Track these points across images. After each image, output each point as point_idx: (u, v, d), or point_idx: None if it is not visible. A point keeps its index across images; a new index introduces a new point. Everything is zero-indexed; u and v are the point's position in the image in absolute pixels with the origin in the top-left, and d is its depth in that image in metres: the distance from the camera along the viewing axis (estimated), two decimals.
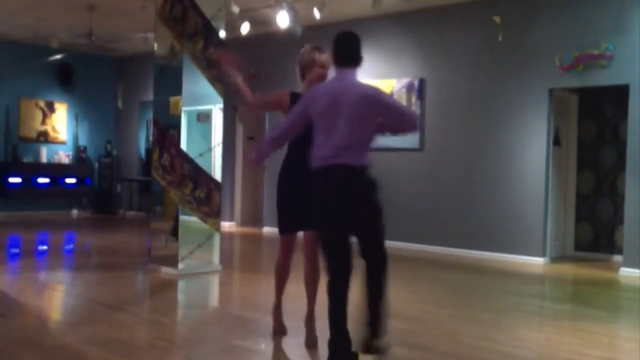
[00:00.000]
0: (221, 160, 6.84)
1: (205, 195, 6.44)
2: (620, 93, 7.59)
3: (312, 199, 3.57)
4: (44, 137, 12.27)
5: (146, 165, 11.83)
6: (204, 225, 6.50)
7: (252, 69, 10.41)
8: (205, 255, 6.56)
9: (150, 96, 8.33)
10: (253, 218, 11.22)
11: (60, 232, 8.73)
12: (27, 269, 6.62)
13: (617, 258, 7.72)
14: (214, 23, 6.43)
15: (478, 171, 8.25)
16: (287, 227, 4.03)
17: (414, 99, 8.78)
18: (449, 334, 4.42)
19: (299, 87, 4.09)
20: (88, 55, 12.58)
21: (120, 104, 12.91)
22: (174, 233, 6.40)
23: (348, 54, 3.62)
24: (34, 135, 12.13)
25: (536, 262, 7.70)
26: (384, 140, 8.35)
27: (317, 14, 8.08)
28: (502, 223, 8.01)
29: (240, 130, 11.09)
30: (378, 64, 9.10)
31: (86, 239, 9.02)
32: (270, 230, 9.97)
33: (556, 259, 8.05)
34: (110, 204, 12.87)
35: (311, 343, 4.01)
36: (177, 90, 6.37)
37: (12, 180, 11.44)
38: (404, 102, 8.72)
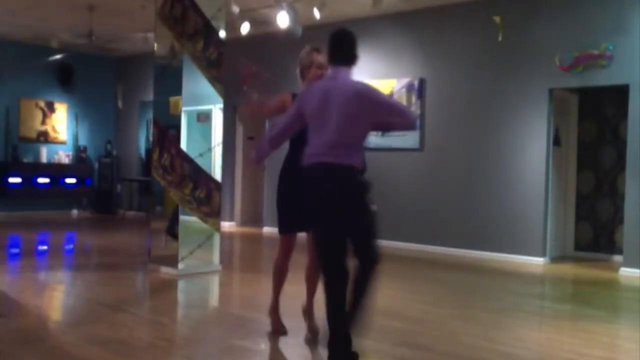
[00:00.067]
0: (221, 160, 6.84)
1: (205, 195, 6.44)
2: (620, 93, 7.59)
3: (303, 197, 3.58)
4: (44, 137, 12.27)
5: (146, 165, 11.83)
6: (204, 225, 6.50)
7: (253, 67, 10.41)
8: (205, 255, 6.56)
9: (150, 96, 8.33)
10: (253, 218, 11.22)
11: (60, 232, 8.71)
12: (27, 269, 6.62)
13: (617, 258, 7.72)
14: (214, 23, 6.43)
15: (478, 171, 8.25)
16: (286, 227, 4.06)
17: (414, 99, 8.78)
18: (449, 334, 4.42)
19: (300, 87, 4.10)
20: (88, 55, 12.58)
21: (120, 104, 12.90)
22: (169, 231, 6.41)
23: (343, 53, 3.60)
24: (34, 135, 12.13)
25: (536, 262, 7.70)
26: (384, 140, 8.43)
27: (317, 14, 8.08)
28: (502, 223, 8.01)
29: (240, 130, 11.09)
30: (378, 64, 9.10)
31: (86, 239, 9.02)
32: (270, 230, 9.97)
33: (556, 259, 8.05)
34: (110, 204, 12.87)
35: (313, 331, 4.04)
36: (177, 90, 6.37)
37: (12, 180, 11.45)
38: (404, 102, 8.72)
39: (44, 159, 12.15)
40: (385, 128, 3.79)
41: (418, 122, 8.60)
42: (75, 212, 12.61)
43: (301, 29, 8.22)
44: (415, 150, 8.75)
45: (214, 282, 6.36)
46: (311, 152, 3.52)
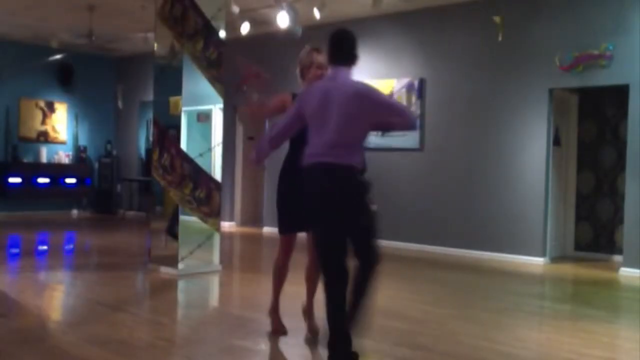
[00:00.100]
0: (221, 160, 6.84)
1: (205, 195, 6.44)
2: (620, 93, 7.59)
3: (303, 197, 3.58)
4: (44, 137, 12.27)
5: (146, 165, 11.83)
6: (204, 225, 6.50)
7: (253, 67, 10.42)
8: (205, 255, 6.56)
9: (150, 96, 8.33)
10: (253, 218, 11.22)
11: (60, 232, 8.72)
12: (27, 269, 6.62)
13: (617, 258, 7.72)
14: (214, 23, 6.43)
15: (478, 171, 8.25)
16: (286, 227, 4.06)
17: (414, 99, 8.78)
18: (449, 334, 4.42)
19: (300, 87, 4.10)
20: (88, 55, 12.58)
21: (120, 104, 12.90)
22: (169, 231, 6.41)
23: (343, 53, 3.59)
24: (34, 135, 12.13)
25: (536, 262, 7.70)
26: (384, 140, 8.43)
27: (317, 14, 8.08)
28: (502, 223, 8.01)
29: (240, 130, 11.09)
30: (378, 64, 9.10)
31: (86, 239, 9.02)
32: (270, 230, 9.97)
33: (556, 259, 8.05)
34: (110, 204, 12.87)
35: (313, 332, 4.04)
36: (177, 90, 6.37)
37: (12, 180, 11.45)
38: (404, 102, 8.73)
39: (44, 159, 12.15)
40: (385, 128, 3.79)
41: (418, 122, 8.60)
42: (75, 212, 12.61)
43: (301, 29, 8.22)
44: (415, 150, 8.75)
45: (214, 282, 6.36)
46: (311, 152, 3.52)
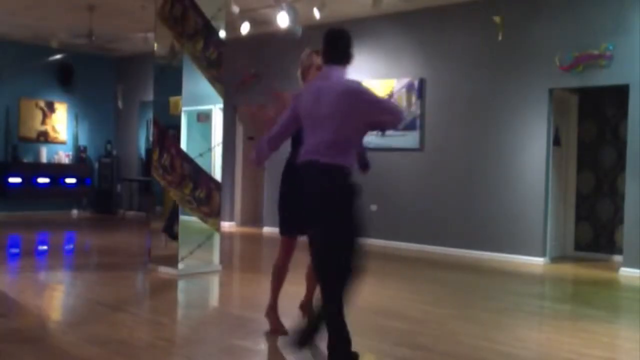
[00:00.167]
0: (221, 160, 6.84)
1: (205, 195, 6.44)
2: (620, 93, 7.59)
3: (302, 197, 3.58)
4: (44, 137, 12.27)
5: (146, 165, 11.83)
6: (204, 225, 6.49)
7: (252, 69, 10.43)
8: (205, 255, 6.55)
9: (150, 96, 8.33)
10: (253, 218, 11.22)
11: (60, 232, 8.73)
12: (27, 269, 6.62)
13: (617, 258, 7.72)
14: (214, 23, 6.43)
15: (478, 171, 8.25)
16: (287, 228, 4.07)
17: (414, 99, 8.78)
18: (449, 334, 4.42)
19: (300, 88, 4.10)
20: (88, 55, 12.58)
21: (120, 104, 12.90)
22: (167, 231, 6.41)
23: (337, 52, 3.57)
24: (34, 135, 12.13)
25: (536, 262, 7.70)
26: (384, 140, 8.42)
27: (317, 14, 8.08)
28: (502, 223, 8.01)
29: (240, 130, 11.09)
30: (378, 64, 9.09)
31: (86, 239, 9.02)
32: (270, 230, 9.97)
33: (556, 259, 8.05)
34: (110, 204, 12.87)
35: None
36: (177, 90, 6.37)
37: (12, 180, 11.44)
38: (403, 102, 8.73)
39: (44, 159, 12.15)
40: (377, 127, 3.76)
41: (418, 122, 8.63)
42: (75, 212, 12.61)
43: (301, 29, 8.22)
44: (415, 150, 8.75)
45: (214, 282, 6.36)
46: (303, 151, 3.53)
